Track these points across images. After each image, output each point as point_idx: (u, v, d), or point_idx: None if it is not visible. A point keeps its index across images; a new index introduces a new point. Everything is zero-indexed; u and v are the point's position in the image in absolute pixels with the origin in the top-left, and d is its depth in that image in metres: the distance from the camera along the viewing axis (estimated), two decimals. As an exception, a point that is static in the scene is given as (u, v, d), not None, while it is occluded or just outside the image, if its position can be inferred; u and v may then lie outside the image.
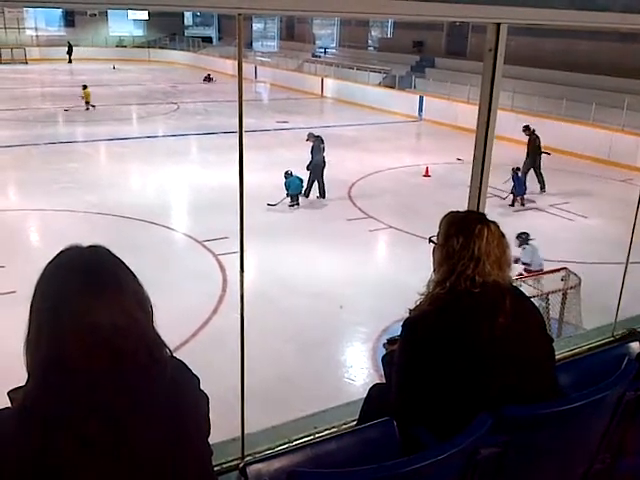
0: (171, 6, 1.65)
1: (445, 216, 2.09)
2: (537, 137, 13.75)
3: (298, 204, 12.30)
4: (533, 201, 13.06)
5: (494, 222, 2.04)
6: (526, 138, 14.16)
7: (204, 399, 1.41)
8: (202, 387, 1.42)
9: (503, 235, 2.03)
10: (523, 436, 1.51)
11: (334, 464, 1.37)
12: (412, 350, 1.94)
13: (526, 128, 14.04)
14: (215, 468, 2.09)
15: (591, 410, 1.64)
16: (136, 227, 10.82)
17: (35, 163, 15.27)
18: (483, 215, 2.13)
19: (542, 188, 13.75)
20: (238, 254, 2.36)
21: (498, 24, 2.19)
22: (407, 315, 2.06)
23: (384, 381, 2.25)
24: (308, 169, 12.63)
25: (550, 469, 1.69)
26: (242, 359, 2.21)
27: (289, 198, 12.24)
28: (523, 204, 12.81)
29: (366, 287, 8.75)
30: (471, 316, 1.89)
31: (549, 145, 17.85)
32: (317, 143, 12.83)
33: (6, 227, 10.62)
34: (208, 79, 33.28)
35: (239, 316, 2.31)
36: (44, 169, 14.49)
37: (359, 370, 6.86)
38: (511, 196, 12.70)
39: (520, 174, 12.87)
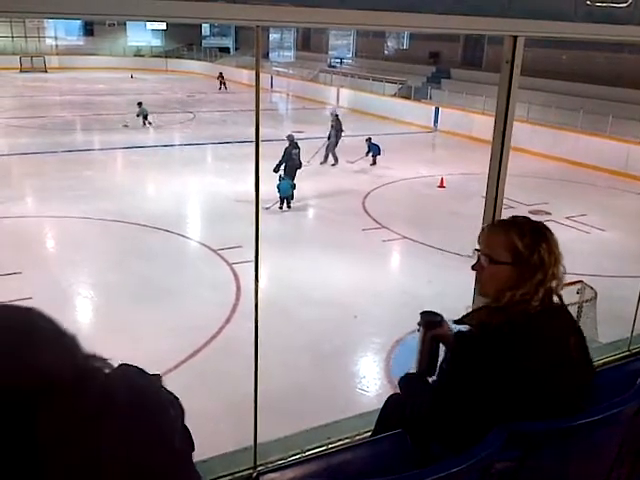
0: (191, 18, 1.67)
1: (499, 228, 1.96)
2: (340, 122, 17.35)
3: (289, 207, 12.57)
4: (549, 213, 12.99)
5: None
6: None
7: (171, 423, 1.22)
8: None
9: None
10: (538, 451, 1.49)
11: (348, 475, 1.36)
12: (475, 370, 1.76)
13: (332, 113, 18.01)
14: (227, 477, 2.10)
15: (607, 425, 1.62)
16: (151, 235, 10.88)
17: (52, 170, 15.42)
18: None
19: (335, 161, 16.95)
20: (252, 263, 2.37)
21: (515, 37, 2.19)
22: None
23: (398, 391, 2.23)
24: (275, 171, 12.73)
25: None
26: (256, 368, 2.21)
27: (279, 201, 12.46)
28: (375, 162, 16.91)
29: (380, 297, 8.72)
30: (551, 336, 1.81)
31: (564, 157, 17.82)
32: (290, 149, 13.13)
33: (23, 233, 10.72)
34: (221, 77, 33.61)
35: (253, 325, 2.32)
36: (61, 176, 14.62)
37: (372, 381, 6.83)
38: (372, 159, 16.84)
39: (370, 143, 17.01)
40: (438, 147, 21.94)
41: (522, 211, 12.63)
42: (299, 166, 13.33)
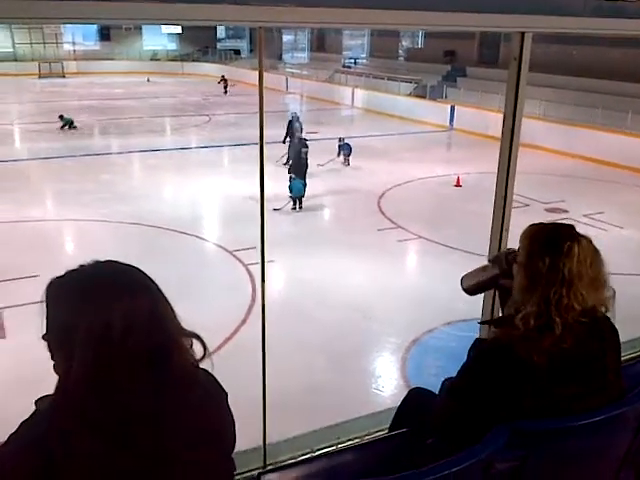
0: (194, 20, 1.68)
1: (527, 229, 1.85)
2: (300, 123, 16.31)
3: (301, 207, 12.61)
4: (566, 211, 12.87)
5: (585, 237, 1.81)
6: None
7: (231, 414, 1.45)
8: (231, 395, 1.45)
9: (597, 250, 1.81)
10: (541, 450, 1.46)
11: (349, 475, 1.35)
12: (489, 380, 1.69)
13: (294, 114, 16.90)
14: (237, 477, 2.11)
15: (613, 425, 1.59)
16: (168, 237, 10.95)
17: (71, 174, 15.57)
18: (572, 228, 1.84)
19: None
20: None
21: (522, 33, 2.17)
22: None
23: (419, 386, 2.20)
24: (289, 172, 13.00)
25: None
26: (264, 370, 2.22)
27: (291, 202, 12.52)
28: (349, 163, 16.73)
29: (396, 297, 8.70)
30: (587, 366, 1.70)
31: (583, 154, 17.64)
32: (299, 147, 13.33)
33: (41, 237, 10.84)
34: (223, 81, 33.20)
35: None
36: (79, 180, 14.77)
37: (388, 381, 6.82)
38: (343, 159, 16.65)
39: (342, 143, 16.79)
40: (454, 146, 21.84)
41: (538, 209, 12.55)
42: (307, 165, 13.45)
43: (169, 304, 1.34)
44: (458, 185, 14.77)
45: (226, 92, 32.91)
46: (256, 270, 9.10)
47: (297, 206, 12.57)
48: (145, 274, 1.32)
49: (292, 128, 16.03)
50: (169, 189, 14.98)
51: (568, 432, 1.50)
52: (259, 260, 9.06)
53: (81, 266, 1.28)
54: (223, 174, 16.42)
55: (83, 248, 10.62)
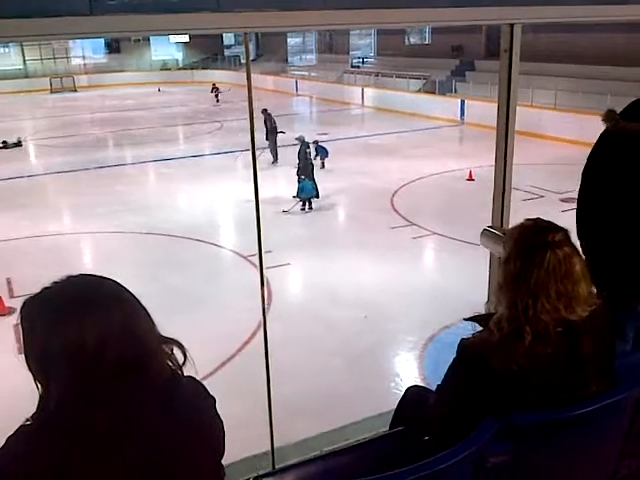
0: (180, 30, 1.69)
1: (517, 225, 1.75)
2: (273, 119, 16.73)
3: (311, 208, 12.61)
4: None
5: (566, 248, 1.63)
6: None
7: (220, 421, 1.44)
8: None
9: (577, 264, 1.62)
10: (535, 443, 1.45)
11: (341, 477, 1.35)
12: (472, 382, 1.69)
13: (264, 111, 16.90)
14: (245, 482, 2.12)
15: (610, 413, 1.57)
16: (183, 245, 11.01)
17: (86, 187, 15.73)
18: (556, 234, 1.65)
19: (274, 159, 16.72)
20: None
21: (512, 24, 2.16)
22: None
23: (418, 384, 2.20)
24: (298, 174, 13.13)
25: (568, 477, 1.62)
26: (267, 372, 2.23)
27: (301, 203, 12.55)
28: (324, 165, 15.97)
29: (411, 295, 8.67)
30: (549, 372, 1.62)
31: (591, 141, 17.36)
32: (303, 148, 13.41)
33: (59, 250, 10.94)
34: (215, 89, 32.54)
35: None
36: (94, 193, 14.90)
37: (406, 379, 6.79)
38: (320, 162, 15.70)
39: (317, 145, 15.87)
40: (465, 140, 21.74)
41: (553, 200, 12.43)
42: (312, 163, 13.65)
43: (146, 313, 1.33)
44: (470, 179, 14.70)
45: (218, 101, 32.02)
46: (271, 274, 9.13)
47: (307, 207, 12.59)
48: (119, 285, 1.32)
49: (269, 124, 16.55)
50: (183, 197, 15.06)
51: (560, 424, 1.48)
52: (276, 263, 9.05)
53: (54, 283, 1.28)
54: (235, 179, 16.47)
55: (100, 260, 10.72)
